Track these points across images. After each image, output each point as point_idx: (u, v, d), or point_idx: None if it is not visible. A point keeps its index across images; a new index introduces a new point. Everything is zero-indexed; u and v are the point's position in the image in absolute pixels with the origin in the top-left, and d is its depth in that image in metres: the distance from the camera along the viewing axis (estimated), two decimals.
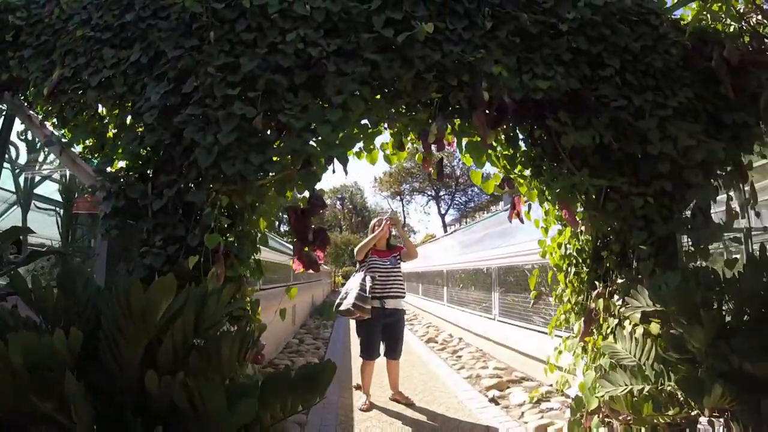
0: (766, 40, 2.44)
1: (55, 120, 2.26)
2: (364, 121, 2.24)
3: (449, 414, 3.21)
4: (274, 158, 1.92)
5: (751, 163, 2.52)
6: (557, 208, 2.43)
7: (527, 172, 2.59)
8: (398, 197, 42.04)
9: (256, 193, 1.90)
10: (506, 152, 2.54)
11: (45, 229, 2.61)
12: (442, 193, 39.49)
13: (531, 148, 2.52)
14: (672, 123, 2.26)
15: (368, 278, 3.40)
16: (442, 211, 39.42)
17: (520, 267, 4.67)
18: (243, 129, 1.88)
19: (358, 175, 52.91)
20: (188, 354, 1.36)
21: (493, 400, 3.42)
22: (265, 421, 1.36)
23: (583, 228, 2.44)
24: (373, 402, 3.50)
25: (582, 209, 2.43)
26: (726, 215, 2.44)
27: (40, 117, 2.32)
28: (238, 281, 1.94)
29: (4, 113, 2.45)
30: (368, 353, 3.46)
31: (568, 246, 2.65)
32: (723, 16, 2.49)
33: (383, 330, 3.48)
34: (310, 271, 2.02)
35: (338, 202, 45.24)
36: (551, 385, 3.21)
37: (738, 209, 2.64)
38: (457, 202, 39.15)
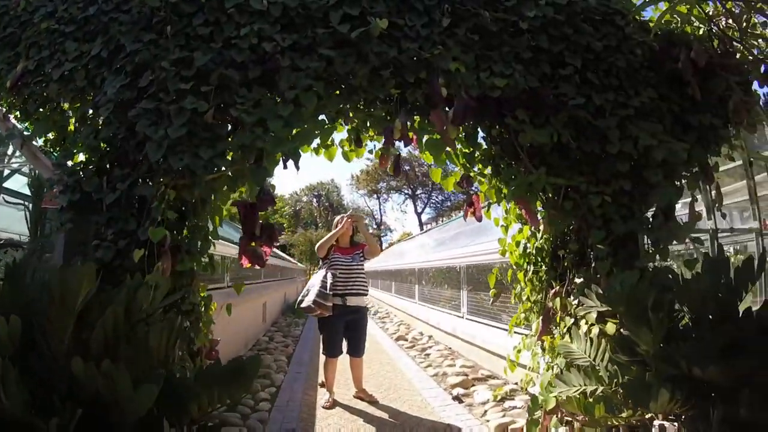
0: (735, 43, 2.43)
1: (18, 113, 2.30)
2: (322, 117, 2.26)
3: (412, 412, 3.23)
4: (227, 153, 1.94)
5: (717, 165, 2.51)
6: (517, 207, 2.43)
7: (488, 171, 2.60)
8: (375, 195, 42.48)
9: (205, 187, 1.92)
10: (466, 150, 2.55)
11: (15, 224, 2.65)
12: (418, 192, 39.83)
13: (491, 146, 2.53)
14: (633, 122, 2.27)
15: (329, 275, 3.40)
16: (419, 210, 39.94)
17: (488, 265, 4.67)
18: (194, 123, 1.91)
19: (335, 172, 53.21)
20: (118, 343, 1.39)
21: (457, 398, 3.44)
22: (192, 411, 1.39)
23: (542, 227, 2.44)
24: (337, 399, 3.52)
25: (542, 208, 2.44)
26: (689, 216, 2.44)
27: (4, 110, 2.36)
28: (188, 275, 1.97)
29: None
30: (330, 351, 3.47)
31: (527, 244, 2.65)
32: (693, 18, 2.48)
33: (346, 327, 3.48)
34: (257, 266, 2.05)
35: (315, 200, 45.46)
36: (516, 384, 3.21)
37: (704, 210, 2.64)
38: (433, 201, 39.58)
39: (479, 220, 2.63)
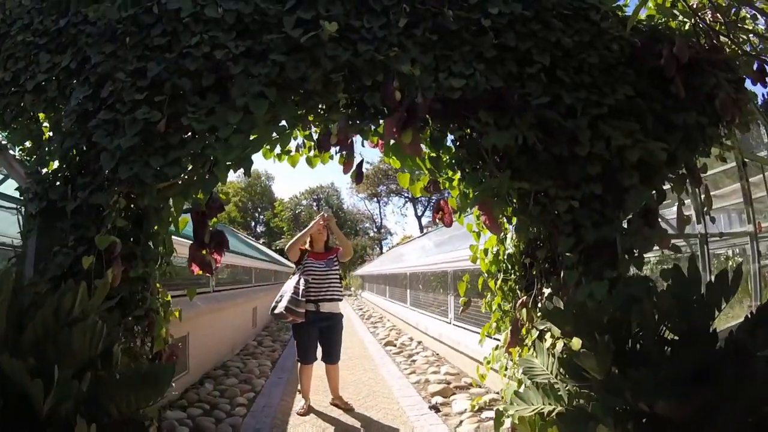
0: (723, 38, 2.25)
1: None
2: (283, 123, 2.28)
3: (385, 421, 3.21)
4: (180, 162, 1.99)
5: (705, 167, 2.34)
6: (478, 213, 2.36)
7: (458, 175, 2.54)
8: (375, 198, 42.38)
9: (156, 196, 1.98)
10: (433, 154, 2.50)
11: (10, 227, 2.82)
12: (419, 195, 40.02)
13: (458, 150, 2.46)
14: (607, 122, 2.14)
15: (302, 281, 3.40)
16: (419, 213, 39.86)
17: (476, 271, 4.55)
18: (148, 133, 1.98)
19: (335, 176, 53.99)
20: (47, 344, 1.46)
21: (435, 407, 3.38)
22: (111, 411, 1.44)
23: (510, 234, 2.36)
24: (313, 406, 3.52)
25: (510, 214, 2.35)
26: (677, 220, 2.29)
27: None
28: (142, 281, 2.03)
29: None
30: (304, 357, 3.46)
31: (498, 251, 2.57)
32: (677, 13, 2.32)
33: (320, 334, 3.47)
34: (203, 271, 2.09)
35: (314, 203, 45.85)
36: (497, 392, 3.11)
37: (694, 214, 2.47)
38: (434, 204, 39.59)
39: (448, 225, 2.57)
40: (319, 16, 2.12)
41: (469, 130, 2.35)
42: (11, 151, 2.49)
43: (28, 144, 2.40)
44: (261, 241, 37.87)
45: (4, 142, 2.45)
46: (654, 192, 2.21)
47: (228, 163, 2.09)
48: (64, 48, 2.25)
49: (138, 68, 2.05)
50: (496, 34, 2.20)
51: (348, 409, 3.49)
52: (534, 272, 2.33)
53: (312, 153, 2.66)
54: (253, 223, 46.33)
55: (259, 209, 47.11)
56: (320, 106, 2.30)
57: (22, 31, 2.34)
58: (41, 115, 2.36)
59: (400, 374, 4.77)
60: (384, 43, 2.17)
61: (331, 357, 3.53)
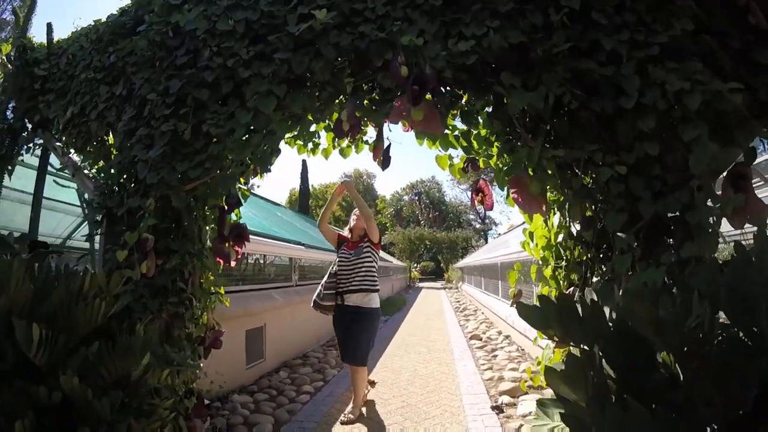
0: None
1: (72, 148, 2.97)
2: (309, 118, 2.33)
3: (441, 418, 3.09)
4: (204, 164, 2.17)
5: None
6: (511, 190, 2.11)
7: (494, 151, 2.31)
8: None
9: (182, 197, 2.19)
10: (465, 130, 2.31)
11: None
12: (458, 177, 36.91)
13: (491, 121, 2.23)
14: (660, 65, 1.75)
15: (331, 271, 3.35)
16: None
17: None
18: (175, 142, 2.20)
19: (435, 169, 52.27)
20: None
21: (497, 408, 3.11)
22: (104, 375, 1.60)
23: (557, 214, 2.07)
24: (364, 412, 3.29)
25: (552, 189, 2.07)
26: None
27: (63, 146, 3.06)
28: (179, 272, 2.26)
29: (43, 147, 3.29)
30: (341, 354, 3.30)
31: (550, 235, 2.26)
32: None
33: (347, 329, 3.20)
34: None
35: (416, 198, 44.92)
36: None
37: None
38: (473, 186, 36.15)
39: (489, 209, 2.36)
40: (319, 8, 2.11)
41: (488, 97, 2.11)
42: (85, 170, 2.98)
43: (102, 163, 2.84)
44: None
45: (79, 163, 2.94)
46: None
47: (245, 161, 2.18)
48: (117, 79, 2.63)
49: (166, 86, 2.28)
50: None
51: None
52: (584, 257, 2.00)
53: (345, 144, 2.66)
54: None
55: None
56: (341, 96, 2.28)
57: (85, 70, 2.83)
58: (111, 139, 2.78)
59: (475, 370, 4.63)
60: (388, 20, 2.09)
61: (352, 357, 3.17)
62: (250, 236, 4.39)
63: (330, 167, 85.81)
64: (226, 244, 2.34)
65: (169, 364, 1.92)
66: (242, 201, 2.51)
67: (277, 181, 45.40)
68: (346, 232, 3.56)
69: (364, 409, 3.32)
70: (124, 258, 2.11)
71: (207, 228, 2.44)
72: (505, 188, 2.28)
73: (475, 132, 2.38)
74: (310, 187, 38.91)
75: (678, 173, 1.78)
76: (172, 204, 2.22)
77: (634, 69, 1.79)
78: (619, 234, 1.81)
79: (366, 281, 3.25)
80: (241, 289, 4.36)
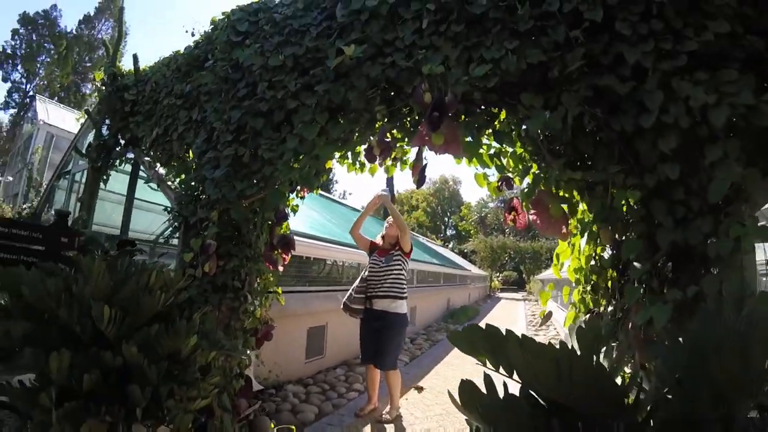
0: None
1: (158, 163, 3.57)
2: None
3: None
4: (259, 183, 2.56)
5: None
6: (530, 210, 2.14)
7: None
8: None
9: (242, 209, 2.58)
10: (500, 149, 2.40)
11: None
12: (495, 195, 33.06)
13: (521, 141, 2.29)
14: (687, 77, 1.68)
15: (362, 276, 3.55)
16: None
17: None
18: (236, 164, 2.61)
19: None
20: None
21: None
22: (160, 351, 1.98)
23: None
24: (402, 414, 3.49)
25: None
26: None
27: (151, 161, 3.66)
28: (236, 273, 2.69)
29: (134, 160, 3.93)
30: (362, 356, 3.49)
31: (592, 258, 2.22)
32: None
33: (373, 333, 3.36)
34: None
35: (501, 205, 43.43)
36: None
37: None
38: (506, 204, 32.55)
39: (522, 227, 2.40)
40: (356, 41, 2.35)
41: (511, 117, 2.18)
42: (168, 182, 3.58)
43: (183, 176, 3.39)
44: (450, 243, 39.12)
45: (164, 176, 3.52)
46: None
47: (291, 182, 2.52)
48: (193, 105, 3.15)
49: (229, 116, 2.71)
50: (533, 1, 1.98)
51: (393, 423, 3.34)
52: (606, 284, 1.97)
53: (390, 163, 2.87)
54: (442, 227, 48.48)
55: (449, 213, 49.18)
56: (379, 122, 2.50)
57: (167, 96, 3.38)
58: (191, 155, 3.32)
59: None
60: (415, 48, 2.25)
61: (380, 361, 3.30)
62: (322, 242, 4.79)
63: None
64: (275, 252, 2.72)
65: (215, 347, 2.29)
66: (289, 215, 2.88)
67: (370, 186, 46.76)
68: (378, 239, 3.73)
69: (403, 411, 3.48)
70: (189, 259, 2.58)
71: (263, 236, 2.84)
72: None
73: (511, 150, 2.43)
74: (395, 193, 39.89)
75: (703, 198, 1.68)
76: (232, 216, 2.64)
77: (658, 83, 1.73)
78: (635, 263, 1.77)
79: (394, 288, 3.42)
80: (306, 289, 4.81)
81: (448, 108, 2.12)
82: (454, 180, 49.89)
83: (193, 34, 3.27)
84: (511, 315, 13.74)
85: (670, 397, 1.14)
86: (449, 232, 48.21)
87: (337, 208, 10.33)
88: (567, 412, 1.15)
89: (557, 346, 1.18)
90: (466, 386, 1.28)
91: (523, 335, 1.17)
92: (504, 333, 1.17)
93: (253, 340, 2.78)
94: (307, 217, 5.85)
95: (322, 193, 12.15)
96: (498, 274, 32.69)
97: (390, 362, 3.32)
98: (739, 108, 1.58)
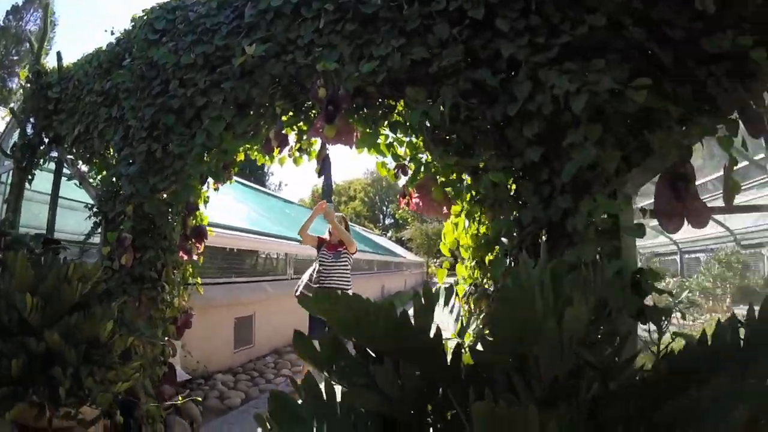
0: None
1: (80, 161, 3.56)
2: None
3: None
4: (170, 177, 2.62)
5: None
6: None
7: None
8: None
9: (154, 204, 2.64)
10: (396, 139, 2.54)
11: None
12: (394, 181, 34.82)
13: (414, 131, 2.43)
14: (557, 67, 1.81)
15: (312, 268, 3.82)
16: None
17: None
18: (150, 160, 2.66)
19: None
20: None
21: None
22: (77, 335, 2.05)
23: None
24: None
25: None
26: (724, 190, 1.81)
27: (73, 159, 3.63)
28: (153, 264, 2.76)
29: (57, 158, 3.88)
30: (309, 334, 3.65)
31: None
32: None
33: (321, 324, 3.56)
34: None
35: None
36: None
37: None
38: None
39: (417, 210, 2.54)
40: (262, 40, 2.44)
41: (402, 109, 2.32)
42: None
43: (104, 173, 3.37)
44: (389, 232, 39.37)
45: (87, 174, 3.51)
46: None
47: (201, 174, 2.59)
48: (112, 103, 3.18)
49: (143, 113, 2.75)
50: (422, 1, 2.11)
51: None
52: (484, 259, 2.13)
53: (298, 155, 2.97)
54: (381, 216, 48.90)
55: (386, 202, 49.56)
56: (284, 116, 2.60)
57: (89, 93, 3.38)
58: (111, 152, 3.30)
59: None
60: (314, 46, 2.36)
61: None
62: (249, 234, 4.85)
63: (354, 164, 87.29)
64: (189, 242, 2.80)
65: (134, 334, 2.36)
66: (200, 207, 2.96)
67: (305, 177, 46.84)
68: (326, 235, 4.07)
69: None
70: (107, 252, 2.62)
71: (177, 228, 2.89)
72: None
73: (408, 140, 2.57)
74: (333, 184, 39.69)
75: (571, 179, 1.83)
76: (146, 210, 2.69)
77: (527, 74, 1.87)
78: (503, 239, 1.93)
79: (342, 280, 3.86)
80: (233, 281, 4.91)
81: (341, 102, 2.24)
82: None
83: (113, 33, 3.28)
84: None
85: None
86: (387, 221, 48.54)
87: (269, 200, 10.43)
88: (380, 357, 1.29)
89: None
90: (298, 336, 1.40)
91: (354, 294, 1.31)
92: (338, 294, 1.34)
93: (174, 329, 2.84)
94: (236, 210, 5.91)
95: (256, 186, 12.24)
96: (436, 261, 33.23)
97: None
98: (603, 95, 1.69)
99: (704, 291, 4.53)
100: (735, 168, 1.85)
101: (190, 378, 3.50)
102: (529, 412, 0.96)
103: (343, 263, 3.91)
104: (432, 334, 1.37)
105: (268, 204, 9.37)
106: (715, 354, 1.20)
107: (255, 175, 19.18)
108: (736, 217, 5.12)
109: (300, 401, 1.23)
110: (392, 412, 1.17)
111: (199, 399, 2.85)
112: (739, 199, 2.03)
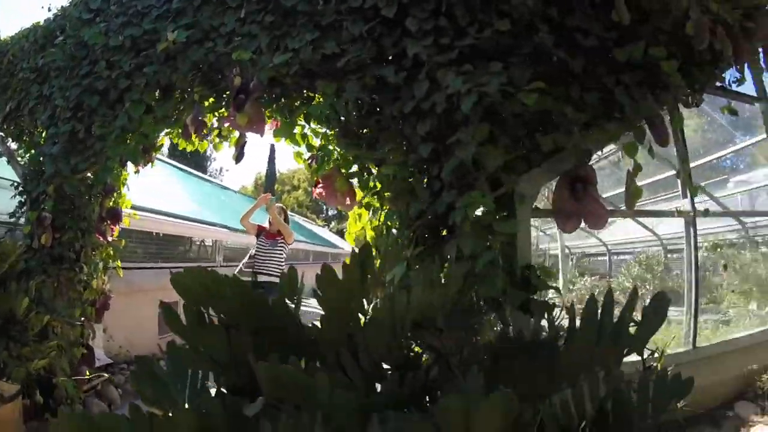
0: None
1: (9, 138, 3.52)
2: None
3: None
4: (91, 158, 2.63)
5: (681, 118, 1.83)
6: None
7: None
8: None
9: (74, 185, 2.65)
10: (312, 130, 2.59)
11: None
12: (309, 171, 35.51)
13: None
14: (455, 68, 1.88)
15: (251, 253, 4.03)
16: None
17: None
18: (73, 140, 2.67)
19: None
20: None
21: None
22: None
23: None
24: None
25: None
26: (626, 193, 1.89)
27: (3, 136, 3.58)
28: (72, 245, 2.75)
29: None
30: None
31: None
32: None
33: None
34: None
35: None
36: None
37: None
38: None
39: (321, 199, 2.60)
40: (187, 26, 2.47)
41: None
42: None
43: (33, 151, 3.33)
44: (332, 223, 39.47)
45: (15, 150, 3.46)
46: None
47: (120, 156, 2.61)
48: (44, 80, 3.14)
49: (69, 93, 2.75)
50: None
51: None
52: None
53: (218, 141, 3.01)
54: (324, 207, 48.38)
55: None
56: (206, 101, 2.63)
57: (22, 69, 3.34)
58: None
59: None
60: (235, 35, 2.39)
61: None
62: (176, 219, 4.89)
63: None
64: (104, 224, 2.83)
65: (51, 313, 2.39)
66: (120, 190, 2.98)
67: (246, 164, 45.69)
68: (266, 224, 4.24)
69: None
70: (27, 231, 2.64)
71: (96, 210, 2.91)
72: None
73: (324, 131, 2.62)
74: (278, 172, 39.08)
75: (458, 175, 1.91)
76: (66, 190, 2.70)
77: (427, 74, 1.93)
78: (393, 230, 2.01)
79: (276, 269, 4.07)
80: (158, 266, 4.94)
81: (253, 91, 2.28)
82: None
83: (49, 9, 3.26)
84: None
85: None
86: (331, 212, 48.35)
87: (204, 186, 10.41)
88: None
89: None
90: (167, 309, 1.46)
91: (212, 271, 1.39)
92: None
93: (93, 310, 2.86)
94: (169, 194, 5.88)
95: (193, 171, 12.14)
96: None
97: None
98: (495, 96, 1.72)
99: (624, 291, 4.76)
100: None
101: (111, 362, 3.52)
102: (318, 378, 1.05)
103: (278, 252, 4.12)
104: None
105: (202, 189, 9.34)
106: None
107: (195, 159, 18.79)
108: (666, 223, 5.36)
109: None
110: (220, 375, 1.26)
111: (116, 381, 2.88)
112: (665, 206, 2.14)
